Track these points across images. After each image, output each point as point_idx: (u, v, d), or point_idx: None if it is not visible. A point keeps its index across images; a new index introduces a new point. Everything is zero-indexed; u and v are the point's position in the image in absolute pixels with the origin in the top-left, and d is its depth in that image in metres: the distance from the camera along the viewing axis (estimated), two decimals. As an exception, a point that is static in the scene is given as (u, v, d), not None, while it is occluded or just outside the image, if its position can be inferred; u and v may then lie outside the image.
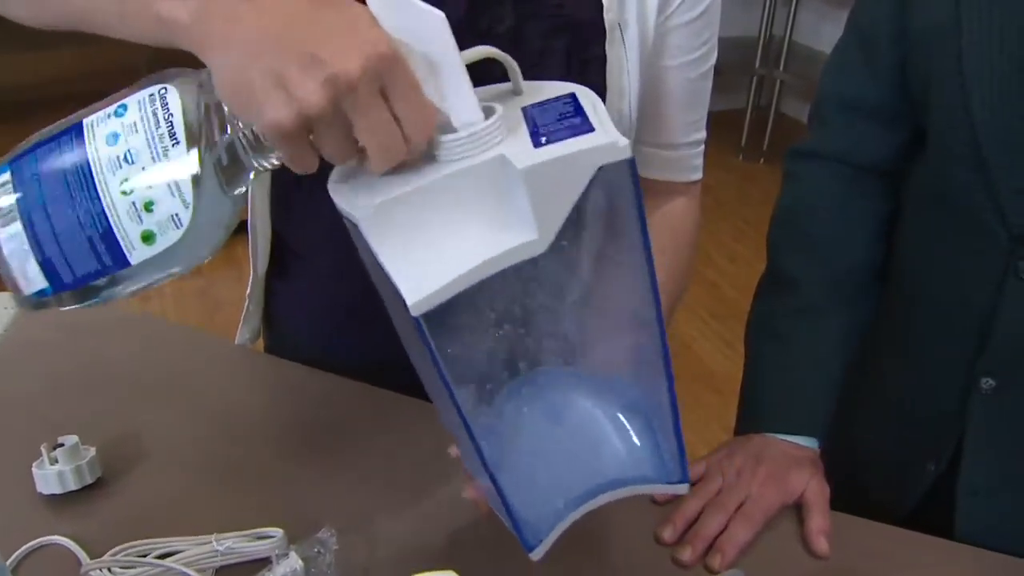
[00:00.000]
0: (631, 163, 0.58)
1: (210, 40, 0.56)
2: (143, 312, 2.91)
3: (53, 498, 0.82)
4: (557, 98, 0.64)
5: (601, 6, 0.84)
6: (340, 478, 0.87)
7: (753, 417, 0.97)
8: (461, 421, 0.60)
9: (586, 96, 0.64)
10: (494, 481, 0.62)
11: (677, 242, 0.97)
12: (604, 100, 0.87)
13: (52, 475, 0.82)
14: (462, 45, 0.84)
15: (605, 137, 0.58)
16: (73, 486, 0.82)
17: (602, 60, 0.86)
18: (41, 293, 0.59)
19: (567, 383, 0.74)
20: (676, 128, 0.96)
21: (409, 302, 0.54)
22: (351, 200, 0.60)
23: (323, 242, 0.94)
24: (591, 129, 0.59)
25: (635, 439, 0.71)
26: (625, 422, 0.72)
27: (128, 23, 0.61)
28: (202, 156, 0.58)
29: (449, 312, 0.56)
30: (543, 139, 0.59)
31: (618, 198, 0.60)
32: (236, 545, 0.77)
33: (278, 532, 0.79)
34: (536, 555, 0.66)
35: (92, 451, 0.84)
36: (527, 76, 0.86)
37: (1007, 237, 0.81)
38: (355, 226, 0.59)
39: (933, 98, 0.85)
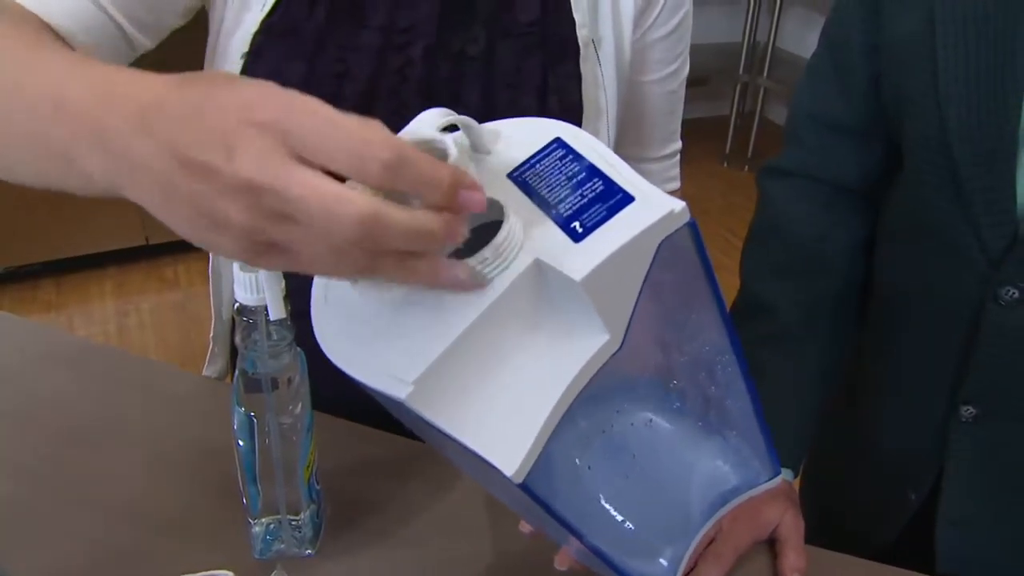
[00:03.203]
0: (692, 225, 0.50)
1: (128, 191, 0.48)
2: (119, 329, 2.89)
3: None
4: (545, 152, 0.53)
5: (574, 22, 0.82)
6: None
7: (726, 446, 0.94)
8: (563, 526, 0.52)
9: (576, 137, 0.54)
10: (602, 556, 0.55)
11: None
12: (581, 119, 0.85)
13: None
14: (435, 68, 0.82)
15: (654, 208, 0.48)
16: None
17: (579, 77, 0.84)
18: None
19: (621, 408, 0.66)
20: (655, 141, 0.96)
21: (509, 473, 0.46)
22: (377, 373, 0.49)
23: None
24: (629, 198, 0.49)
25: (711, 453, 0.64)
26: (694, 439, 0.65)
27: (59, 178, 0.53)
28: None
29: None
30: (576, 226, 0.49)
31: (684, 262, 0.52)
32: (184, 589, 0.75)
33: (228, 574, 0.76)
34: None
35: None
36: (503, 96, 0.84)
37: (985, 261, 0.78)
38: (398, 403, 0.49)
39: (907, 114, 0.82)
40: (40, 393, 0.99)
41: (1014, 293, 0.77)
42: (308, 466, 0.76)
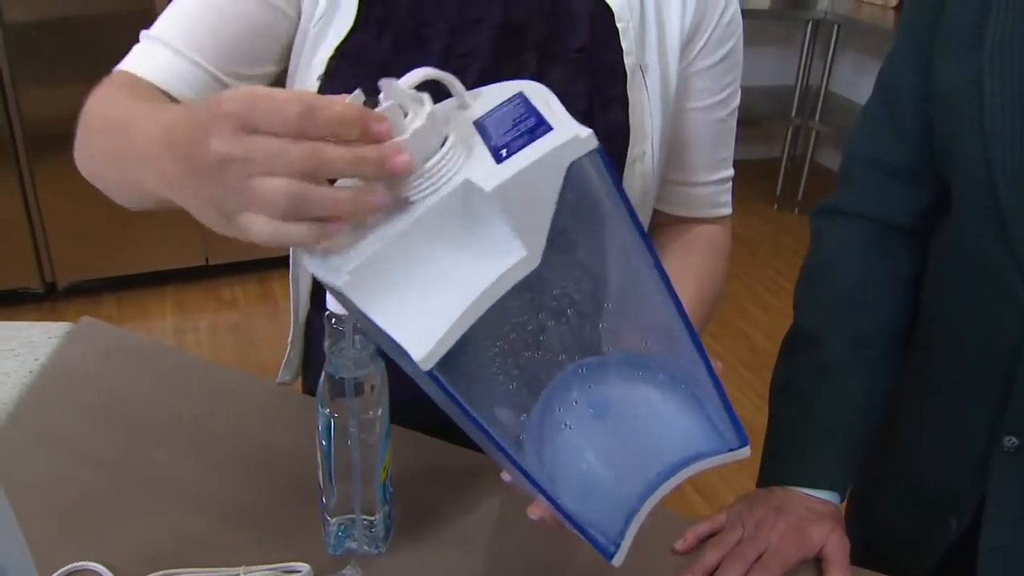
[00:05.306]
0: (599, 152, 0.56)
1: (172, 194, 0.63)
2: (178, 346, 2.97)
3: (84, 525, 0.85)
4: (506, 102, 0.61)
5: (622, 50, 0.87)
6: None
7: (775, 470, 0.97)
8: (503, 453, 0.58)
9: (536, 92, 0.61)
10: (551, 498, 0.60)
11: (707, 250, 1.01)
12: (628, 140, 0.89)
13: None
14: None
15: (565, 133, 0.55)
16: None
17: (624, 100, 0.88)
18: None
19: (601, 375, 0.69)
20: (702, 167, 1.00)
21: (417, 358, 0.53)
22: (326, 267, 0.58)
23: None
24: (548, 128, 0.56)
25: (684, 417, 0.66)
26: (669, 402, 0.67)
27: (142, 192, 0.71)
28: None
29: (459, 348, 0.54)
30: (503, 152, 0.56)
31: (598, 188, 0.58)
32: (263, 578, 0.80)
33: (305, 567, 0.81)
34: (617, 561, 0.61)
35: None
36: None
37: (1029, 298, 0.81)
38: (339, 293, 0.57)
39: (956, 159, 0.86)
40: (123, 394, 1.05)
41: None
42: (384, 469, 0.81)
